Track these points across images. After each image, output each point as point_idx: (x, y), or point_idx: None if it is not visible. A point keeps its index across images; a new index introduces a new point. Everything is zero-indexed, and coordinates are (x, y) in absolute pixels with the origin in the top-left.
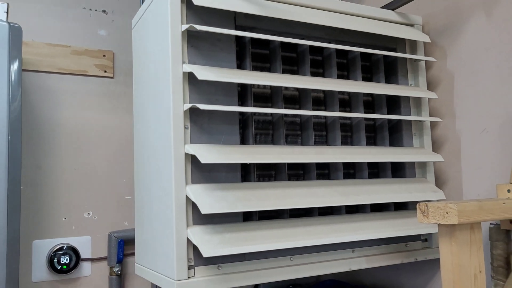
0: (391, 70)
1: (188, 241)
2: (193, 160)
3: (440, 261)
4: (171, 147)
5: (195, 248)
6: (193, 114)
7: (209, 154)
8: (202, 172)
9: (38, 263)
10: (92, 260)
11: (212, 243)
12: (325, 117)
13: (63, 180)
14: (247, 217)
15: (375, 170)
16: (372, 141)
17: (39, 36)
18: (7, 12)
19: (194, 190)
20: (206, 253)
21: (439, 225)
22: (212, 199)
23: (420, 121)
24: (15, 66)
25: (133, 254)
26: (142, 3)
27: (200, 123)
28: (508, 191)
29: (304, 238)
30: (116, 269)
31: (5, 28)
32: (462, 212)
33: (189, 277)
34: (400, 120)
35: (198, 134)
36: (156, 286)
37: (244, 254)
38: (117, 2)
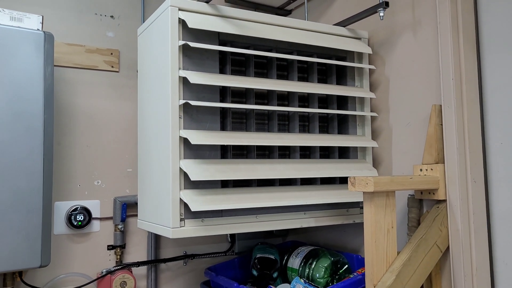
0: (342, 73)
1: (180, 200)
2: (185, 141)
3: (364, 218)
4: (169, 132)
5: (186, 206)
6: (186, 107)
7: (197, 137)
8: (191, 150)
9: (58, 220)
10: (101, 219)
11: (198, 202)
12: (287, 111)
13: (78, 154)
14: (224, 185)
15: (326, 153)
16: (324, 130)
17: (59, 37)
18: (42, 23)
19: (185, 163)
20: (193, 208)
21: (363, 192)
22: (198, 170)
23: (362, 115)
24: (49, 65)
25: (134, 215)
26: (144, 10)
27: (190, 114)
28: (421, 170)
29: (267, 201)
30: (120, 226)
31: (41, 36)
32: (377, 183)
33: (180, 226)
34: (346, 114)
35: (189, 122)
36: (151, 237)
37: (221, 211)
38: (122, 9)
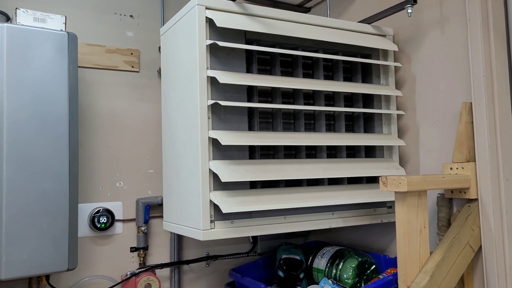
0: (367, 71)
1: (210, 202)
2: (213, 142)
3: (396, 218)
4: (198, 133)
5: (215, 207)
6: (214, 107)
7: (227, 137)
8: (220, 151)
9: (81, 222)
10: (123, 221)
11: (229, 203)
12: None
13: (100, 156)
14: (253, 185)
15: (352, 152)
16: (350, 128)
17: (79, 37)
18: (65, 23)
19: (215, 164)
20: (225, 209)
21: (395, 192)
22: (228, 171)
23: (388, 113)
24: (73, 66)
25: (156, 216)
26: (163, 9)
27: (218, 114)
28: (451, 168)
29: (296, 202)
30: (143, 228)
31: (65, 37)
32: (410, 183)
33: (211, 228)
34: (372, 112)
35: (217, 122)
36: (174, 239)
37: (251, 212)
38: (142, 8)
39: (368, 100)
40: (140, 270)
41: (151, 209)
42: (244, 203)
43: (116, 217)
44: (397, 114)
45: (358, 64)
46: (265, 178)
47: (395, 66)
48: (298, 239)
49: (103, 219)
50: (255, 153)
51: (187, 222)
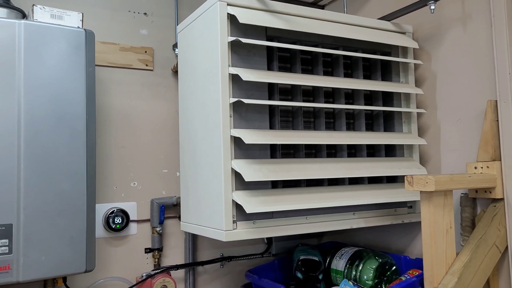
0: (386, 69)
1: (233, 202)
2: (235, 141)
3: (421, 219)
4: (221, 131)
5: (237, 207)
6: (235, 106)
7: (250, 136)
8: (241, 150)
9: (96, 223)
10: (138, 221)
11: (252, 203)
12: (332, 107)
13: (114, 156)
14: (274, 185)
15: (371, 151)
16: (369, 128)
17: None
18: (82, 20)
19: (238, 163)
20: (249, 210)
21: (421, 192)
22: (251, 170)
23: (408, 111)
24: (90, 64)
25: (171, 217)
26: (177, 7)
27: (240, 112)
28: (475, 167)
29: (319, 202)
30: (158, 229)
31: (82, 34)
32: (438, 182)
33: (233, 229)
34: (392, 110)
35: (239, 121)
36: (189, 240)
37: (272, 212)
38: (155, 6)
39: (387, 98)
40: (156, 271)
41: (166, 210)
42: (267, 203)
43: (131, 218)
44: (417, 113)
45: (378, 62)
46: (289, 177)
47: (414, 64)
48: (312, 240)
49: (118, 220)
50: (276, 152)
51: (207, 223)
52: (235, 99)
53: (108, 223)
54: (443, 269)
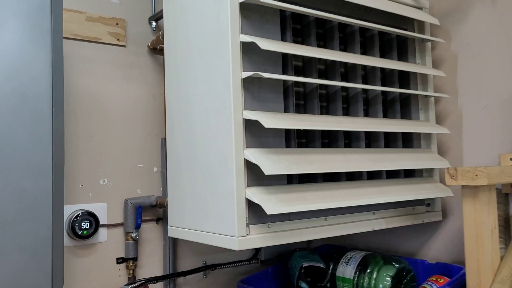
0: (401, 49)
1: (246, 201)
2: (247, 125)
3: (464, 219)
4: (231, 114)
5: (250, 207)
6: (246, 83)
7: (269, 119)
8: (254, 137)
9: None
10: (108, 226)
11: (272, 202)
12: (346, 90)
13: (80, 147)
14: (289, 180)
15: (385, 141)
16: (384, 115)
17: None
18: None
19: (252, 153)
20: (270, 210)
21: (463, 187)
22: (270, 161)
23: (426, 97)
24: (57, 32)
25: (147, 220)
26: None
27: (252, 91)
28: (511, 159)
29: (342, 200)
30: (134, 235)
31: None
32: (490, 175)
33: (246, 234)
34: (408, 96)
35: (250, 101)
36: (169, 247)
37: (289, 214)
38: None
39: (403, 81)
40: (132, 286)
41: (142, 212)
42: (288, 201)
43: (101, 222)
44: (435, 98)
45: (393, 41)
46: (312, 170)
47: (431, 45)
48: (300, 243)
49: (85, 225)
50: (290, 141)
51: (211, 227)
52: (250, 73)
53: (73, 229)
54: (490, 276)
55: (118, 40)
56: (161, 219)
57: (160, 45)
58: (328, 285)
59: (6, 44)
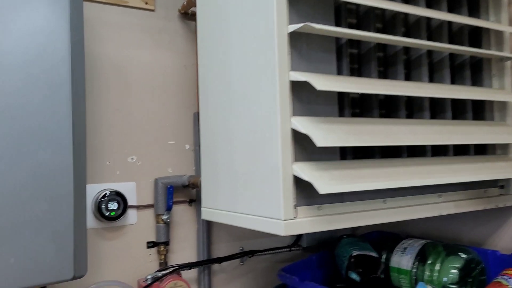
0: (473, 5)
1: (294, 178)
2: (294, 89)
3: None
4: (276, 75)
5: (298, 187)
6: (292, 40)
7: (321, 81)
8: (302, 103)
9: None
10: (138, 207)
11: (324, 180)
12: (407, 53)
13: (105, 121)
14: (342, 155)
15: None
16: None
17: None
18: None
19: (300, 122)
20: (322, 189)
21: None
22: (322, 132)
23: (501, 60)
24: None
25: (179, 202)
26: None
27: (299, 48)
28: None
29: (401, 179)
30: (165, 217)
31: None
32: None
33: (294, 217)
34: (480, 60)
35: (297, 61)
36: (203, 230)
37: (342, 194)
38: None
39: (475, 43)
40: (164, 272)
41: (174, 192)
42: (343, 180)
43: (129, 203)
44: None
45: None
46: (374, 143)
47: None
48: (346, 229)
49: (112, 205)
50: (344, 109)
51: (252, 209)
52: (299, 25)
53: (99, 210)
54: None
55: (146, 3)
56: (194, 200)
57: (192, 8)
58: (382, 277)
59: (19, 3)
